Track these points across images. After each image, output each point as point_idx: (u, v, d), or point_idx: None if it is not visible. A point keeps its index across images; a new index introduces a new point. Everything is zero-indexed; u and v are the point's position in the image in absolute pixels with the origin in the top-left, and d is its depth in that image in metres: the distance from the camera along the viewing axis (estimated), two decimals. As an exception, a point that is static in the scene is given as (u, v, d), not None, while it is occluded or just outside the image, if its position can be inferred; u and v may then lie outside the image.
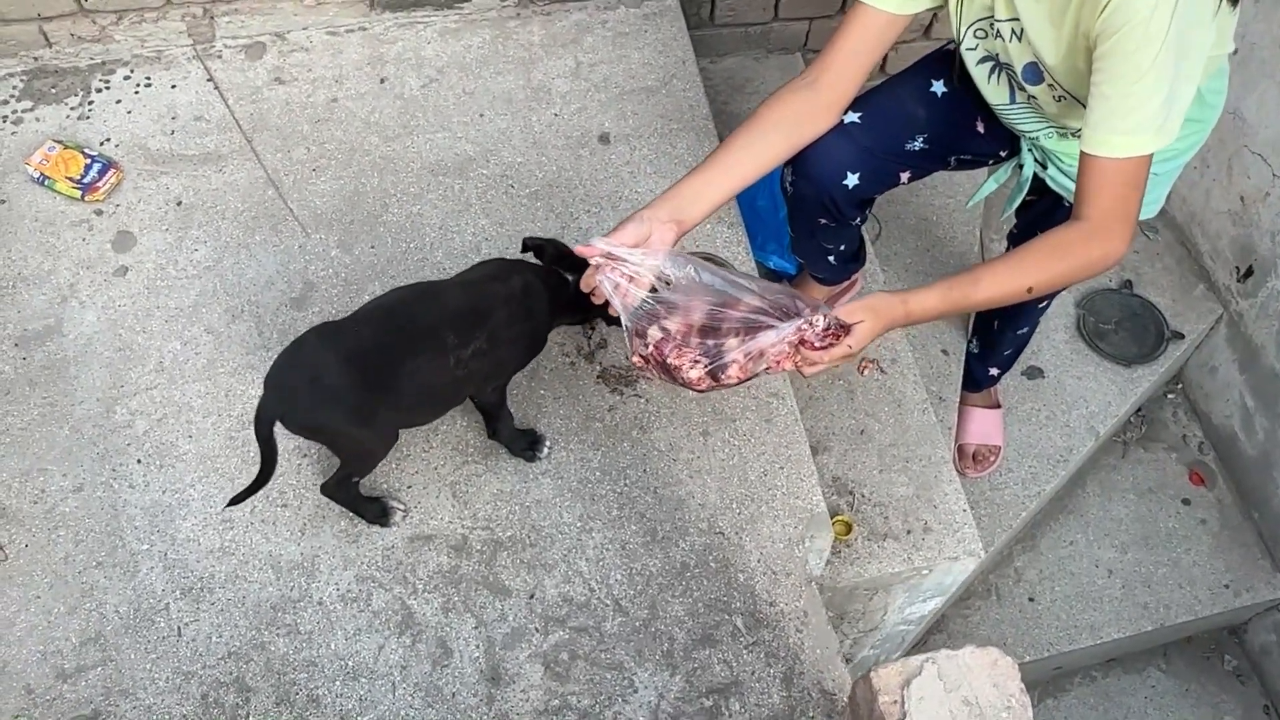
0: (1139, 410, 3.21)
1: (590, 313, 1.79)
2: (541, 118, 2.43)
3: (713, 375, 1.59)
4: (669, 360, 1.59)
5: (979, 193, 2.11)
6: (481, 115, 2.42)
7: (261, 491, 1.89)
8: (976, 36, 1.72)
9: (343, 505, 1.86)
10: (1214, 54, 1.62)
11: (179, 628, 1.78)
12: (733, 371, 1.58)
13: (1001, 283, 1.57)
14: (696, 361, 1.59)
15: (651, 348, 1.59)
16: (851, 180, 1.90)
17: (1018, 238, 2.21)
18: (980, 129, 1.92)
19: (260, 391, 1.62)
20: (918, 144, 1.93)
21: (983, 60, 1.75)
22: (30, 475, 1.91)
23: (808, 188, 1.94)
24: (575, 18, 2.60)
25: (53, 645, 1.76)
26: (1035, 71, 1.65)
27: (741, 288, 1.59)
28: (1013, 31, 1.62)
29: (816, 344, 1.54)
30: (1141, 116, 1.45)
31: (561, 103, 2.46)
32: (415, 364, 1.64)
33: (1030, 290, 1.59)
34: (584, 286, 1.63)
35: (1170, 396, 3.30)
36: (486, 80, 2.48)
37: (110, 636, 1.77)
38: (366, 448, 1.76)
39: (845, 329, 1.54)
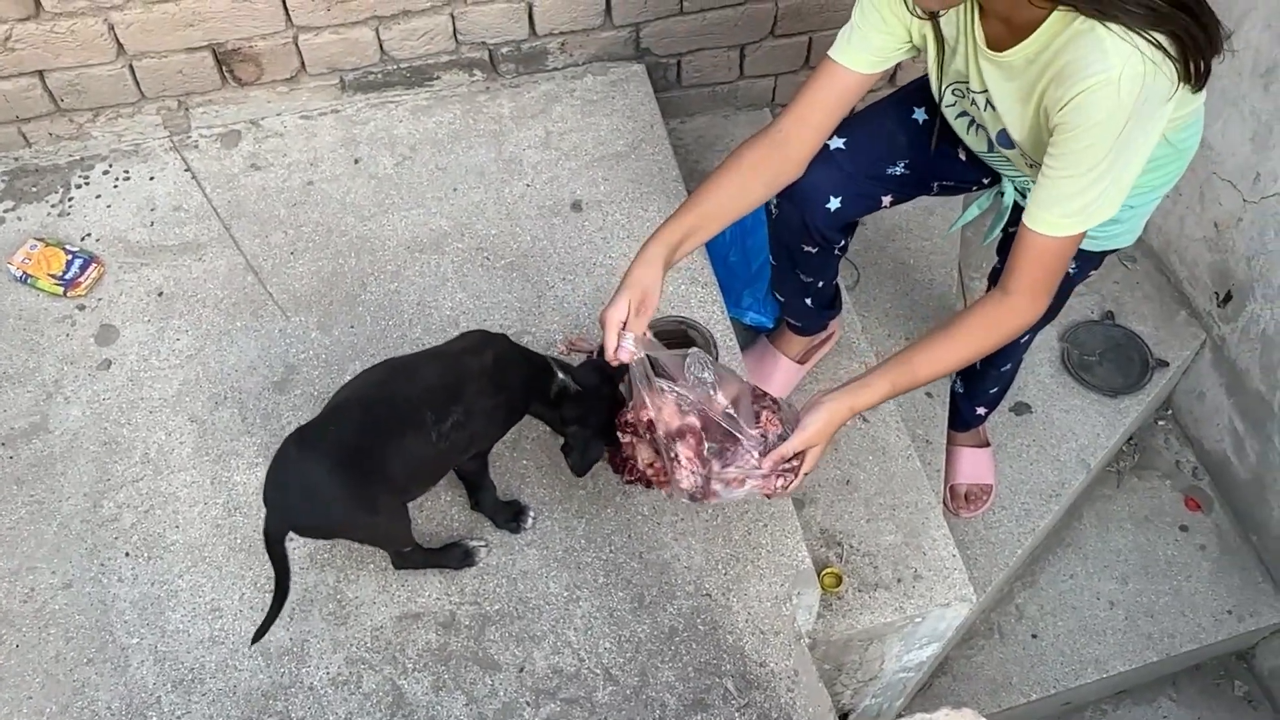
0: (1131, 439, 3.21)
1: (565, 413, 1.81)
2: (514, 189, 2.47)
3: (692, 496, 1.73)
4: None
5: (959, 219, 2.14)
6: (455, 190, 2.46)
7: (248, 578, 1.92)
8: (954, 94, 1.77)
9: (423, 568, 1.91)
10: (1182, 112, 1.65)
11: (171, 721, 1.79)
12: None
13: (937, 360, 1.66)
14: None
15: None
16: (834, 204, 1.95)
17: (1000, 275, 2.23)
18: (962, 156, 1.95)
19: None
20: (899, 169, 1.97)
21: (960, 115, 1.80)
22: (19, 574, 1.92)
23: (791, 211, 1.98)
24: (544, 88, 2.65)
25: (45, 747, 1.76)
26: (1008, 138, 1.69)
27: (719, 409, 1.66)
28: (987, 102, 1.67)
29: (770, 491, 1.67)
30: (1079, 204, 1.51)
31: (533, 173, 2.49)
32: (399, 445, 1.66)
33: (963, 363, 1.70)
34: (611, 359, 1.67)
35: (1161, 423, 3.30)
36: (459, 155, 2.53)
37: (103, 734, 1.77)
38: (385, 530, 1.79)
39: (799, 458, 1.66)
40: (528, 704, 1.80)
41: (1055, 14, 1.46)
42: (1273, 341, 2.81)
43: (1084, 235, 1.56)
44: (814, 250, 2.08)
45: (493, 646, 1.86)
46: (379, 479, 1.67)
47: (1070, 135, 1.46)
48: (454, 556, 1.91)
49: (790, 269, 2.17)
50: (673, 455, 1.65)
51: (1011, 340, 1.67)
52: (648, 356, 1.66)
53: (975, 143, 1.83)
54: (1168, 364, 3.06)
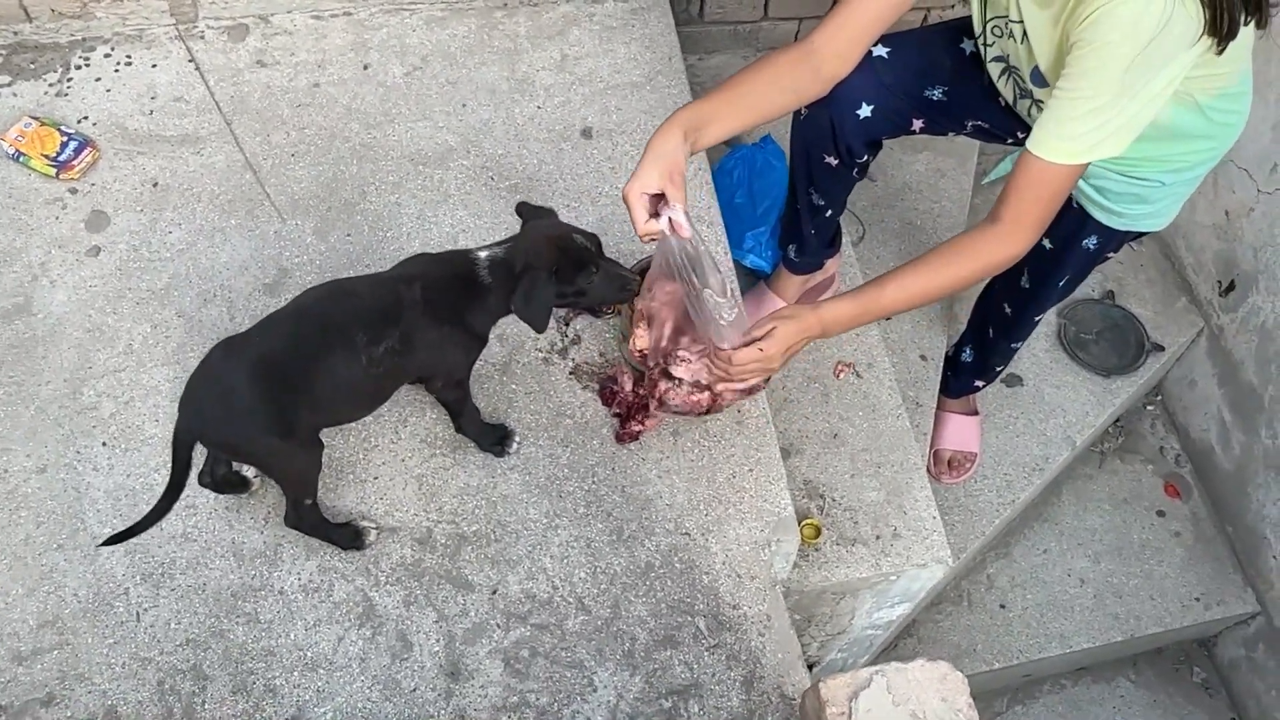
0: (1117, 421, 3.21)
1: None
2: (524, 110, 2.41)
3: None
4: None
5: (995, 171, 2.12)
6: (464, 106, 2.41)
7: (226, 478, 1.89)
8: (994, 34, 1.74)
9: (310, 534, 1.82)
10: (1215, 71, 1.59)
11: (138, 613, 1.77)
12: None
13: (907, 286, 1.65)
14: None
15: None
16: (865, 111, 1.92)
17: None
18: (1002, 102, 1.91)
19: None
20: (936, 94, 1.93)
21: (995, 59, 1.78)
22: (-7, 454, 1.90)
23: (821, 112, 1.94)
24: (563, 10, 2.59)
25: (9, 627, 1.74)
26: (1041, 74, 1.66)
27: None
28: (1024, 33, 1.65)
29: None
30: (1082, 128, 1.49)
31: (545, 95, 2.44)
32: (326, 364, 1.61)
33: (937, 293, 1.68)
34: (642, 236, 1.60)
35: (1149, 408, 3.30)
36: (470, 70, 2.47)
37: (68, 620, 1.76)
38: (293, 463, 1.71)
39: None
40: (498, 626, 1.80)
41: None
42: (1271, 335, 2.80)
43: (1082, 170, 1.54)
44: (834, 163, 2.03)
45: (467, 567, 1.85)
46: (300, 396, 1.61)
47: (1084, 52, 1.44)
48: (345, 535, 1.84)
49: (806, 185, 2.13)
50: (676, 380, 1.63)
51: (990, 275, 1.65)
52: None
53: (1006, 91, 1.81)
54: (1163, 348, 3.06)
